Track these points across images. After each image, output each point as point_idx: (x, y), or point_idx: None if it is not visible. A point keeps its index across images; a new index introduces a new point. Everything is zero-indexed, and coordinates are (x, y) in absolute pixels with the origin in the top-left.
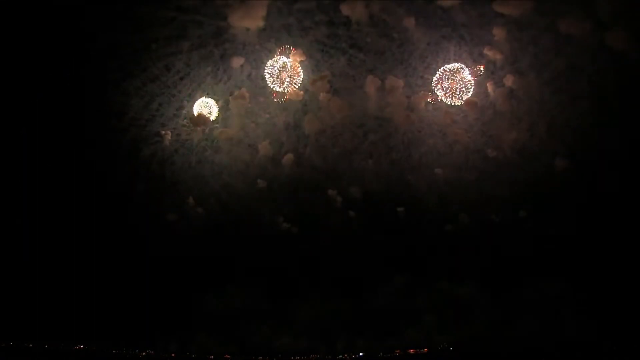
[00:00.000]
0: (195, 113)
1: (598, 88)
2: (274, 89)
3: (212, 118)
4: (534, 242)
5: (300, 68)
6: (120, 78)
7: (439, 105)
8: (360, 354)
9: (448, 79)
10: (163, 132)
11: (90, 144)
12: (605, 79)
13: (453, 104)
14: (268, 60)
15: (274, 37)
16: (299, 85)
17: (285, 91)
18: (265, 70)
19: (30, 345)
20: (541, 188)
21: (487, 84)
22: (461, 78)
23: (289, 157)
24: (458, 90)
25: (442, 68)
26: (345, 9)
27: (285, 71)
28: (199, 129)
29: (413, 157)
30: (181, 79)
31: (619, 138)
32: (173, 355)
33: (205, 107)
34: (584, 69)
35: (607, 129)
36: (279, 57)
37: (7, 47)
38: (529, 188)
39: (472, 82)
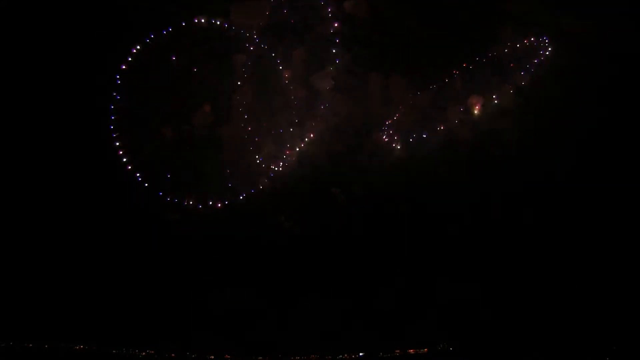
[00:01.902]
0: None
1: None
2: None
3: None
4: (536, 242)
5: None
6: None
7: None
8: (360, 354)
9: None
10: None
11: (92, 142)
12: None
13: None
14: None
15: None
16: None
17: None
18: None
19: (30, 345)
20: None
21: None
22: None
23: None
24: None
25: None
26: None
27: None
28: None
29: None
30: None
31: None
32: (173, 355)
33: None
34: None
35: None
36: None
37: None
38: (533, 188)
39: None
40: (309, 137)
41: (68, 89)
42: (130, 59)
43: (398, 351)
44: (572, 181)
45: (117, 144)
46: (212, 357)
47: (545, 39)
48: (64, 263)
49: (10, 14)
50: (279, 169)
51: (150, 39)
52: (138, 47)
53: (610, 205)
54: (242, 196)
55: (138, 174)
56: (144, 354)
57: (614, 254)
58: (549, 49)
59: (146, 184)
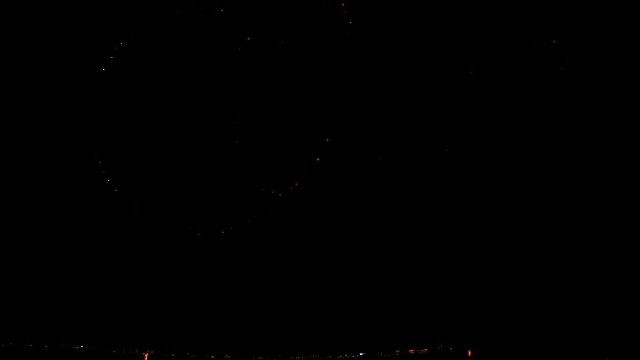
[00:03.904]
0: None
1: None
2: None
3: None
4: (535, 242)
5: None
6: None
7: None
8: (361, 354)
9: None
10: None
11: (71, 156)
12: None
13: None
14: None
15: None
16: None
17: None
18: None
19: (30, 345)
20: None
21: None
22: None
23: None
24: None
25: None
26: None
27: None
28: None
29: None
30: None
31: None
32: (173, 355)
33: None
34: None
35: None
36: None
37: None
38: (535, 189)
39: None
40: (320, 147)
41: (41, 95)
42: (112, 57)
43: (398, 351)
44: (575, 182)
45: (100, 162)
46: (212, 357)
47: (567, 42)
48: (63, 263)
49: None
50: (289, 189)
51: (137, 31)
52: (121, 43)
53: (612, 205)
54: (249, 220)
55: (127, 195)
56: (144, 354)
57: (614, 253)
58: (571, 51)
59: (135, 207)
